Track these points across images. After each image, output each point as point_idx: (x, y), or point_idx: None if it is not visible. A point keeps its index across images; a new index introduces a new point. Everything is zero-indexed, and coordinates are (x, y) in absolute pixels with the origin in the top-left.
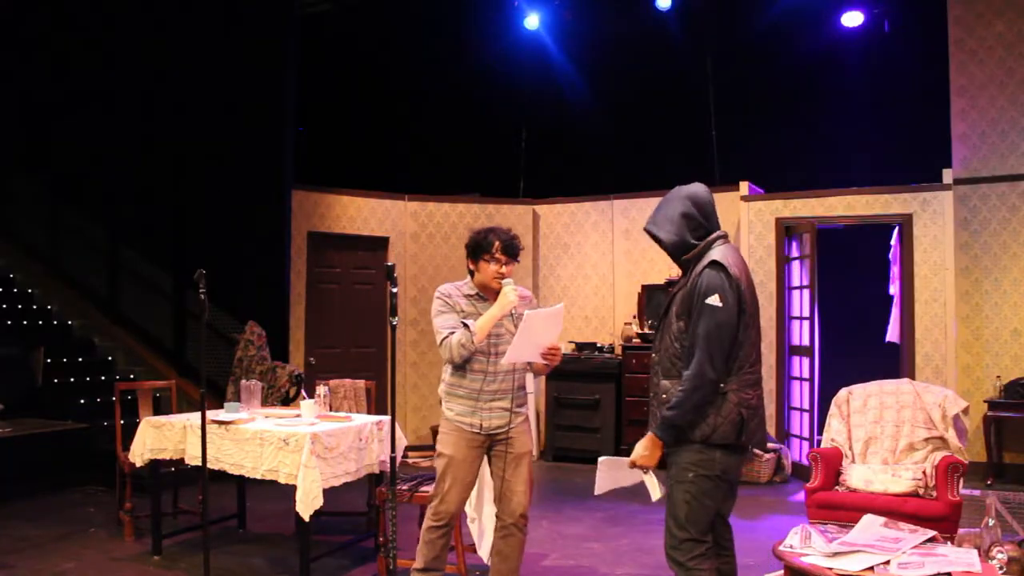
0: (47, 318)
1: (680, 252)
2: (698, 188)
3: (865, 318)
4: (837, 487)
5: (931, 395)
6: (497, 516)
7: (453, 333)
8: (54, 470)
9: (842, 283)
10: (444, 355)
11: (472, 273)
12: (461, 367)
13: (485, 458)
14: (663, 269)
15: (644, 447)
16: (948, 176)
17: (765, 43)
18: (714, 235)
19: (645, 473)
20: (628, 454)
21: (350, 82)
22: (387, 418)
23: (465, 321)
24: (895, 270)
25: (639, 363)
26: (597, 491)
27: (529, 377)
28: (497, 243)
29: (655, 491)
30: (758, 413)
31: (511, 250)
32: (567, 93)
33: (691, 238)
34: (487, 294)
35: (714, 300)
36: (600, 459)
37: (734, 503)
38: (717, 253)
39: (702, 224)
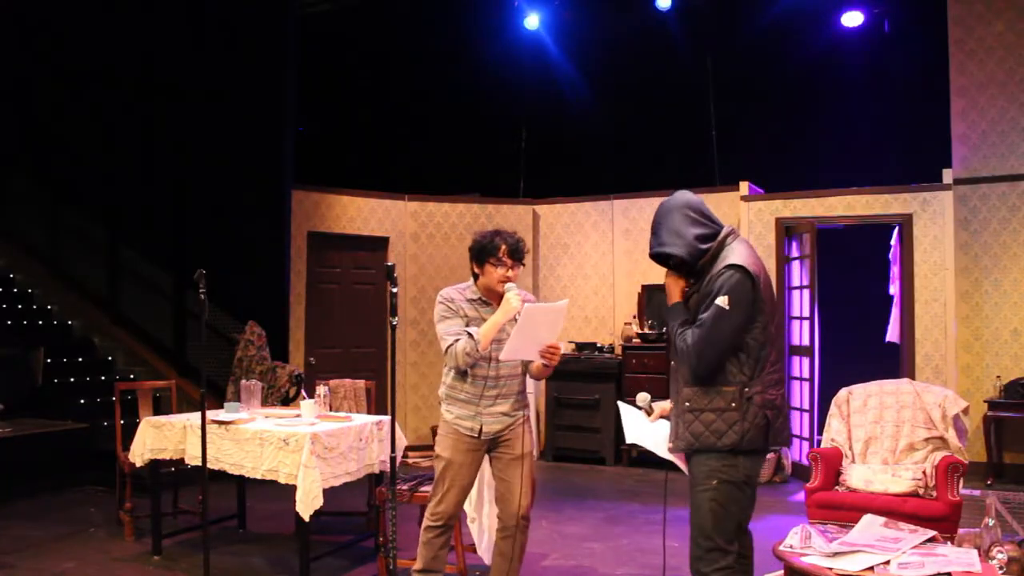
0: (47, 318)
1: (696, 261)
2: (688, 194)
3: (865, 318)
4: (837, 487)
5: (931, 395)
6: (499, 517)
7: (458, 340)
8: (54, 470)
9: (842, 283)
10: (449, 362)
11: (476, 276)
12: (463, 371)
13: (487, 458)
14: (663, 269)
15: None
16: (948, 176)
17: (765, 43)
18: (723, 233)
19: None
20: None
21: (350, 82)
22: (387, 418)
23: (469, 329)
24: (895, 270)
25: (639, 363)
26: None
27: (532, 382)
28: (504, 247)
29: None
30: (782, 412)
31: (517, 254)
32: (567, 93)
33: (701, 244)
34: (490, 298)
35: (723, 302)
36: (645, 397)
37: (753, 510)
38: (733, 254)
39: (707, 225)
